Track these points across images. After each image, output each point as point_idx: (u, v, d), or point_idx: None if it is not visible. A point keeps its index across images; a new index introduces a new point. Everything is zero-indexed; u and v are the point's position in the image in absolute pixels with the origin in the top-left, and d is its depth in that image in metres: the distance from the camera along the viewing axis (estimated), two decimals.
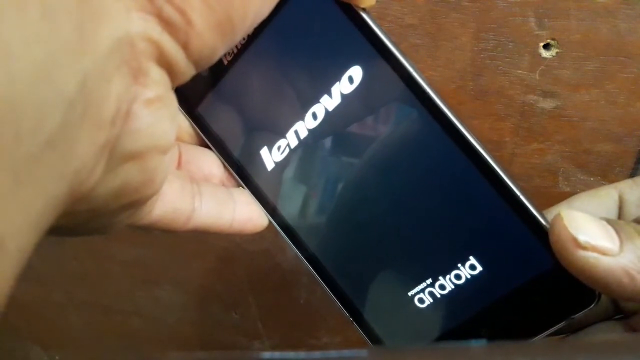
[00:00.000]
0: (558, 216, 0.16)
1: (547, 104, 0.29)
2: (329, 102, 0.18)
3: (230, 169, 0.20)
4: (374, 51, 0.17)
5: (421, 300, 0.19)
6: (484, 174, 0.17)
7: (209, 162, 0.20)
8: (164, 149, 0.14)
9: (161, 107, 0.14)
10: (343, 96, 0.17)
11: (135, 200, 0.15)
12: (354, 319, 0.20)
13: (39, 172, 0.10)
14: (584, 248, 0.15)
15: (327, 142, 0.19)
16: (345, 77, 0.17)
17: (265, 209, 0.20)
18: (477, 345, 0.12)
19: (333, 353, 0.14)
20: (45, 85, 0.10)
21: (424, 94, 0.17)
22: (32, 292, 0.45)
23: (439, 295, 0.18)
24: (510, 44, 0.28)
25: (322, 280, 0.20)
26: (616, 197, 0.19)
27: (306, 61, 0.18)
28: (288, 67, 0.18)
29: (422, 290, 0.19)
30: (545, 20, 0.27)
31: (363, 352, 0.13)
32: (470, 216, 0.17)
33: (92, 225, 0.15)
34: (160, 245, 0.40)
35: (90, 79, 0.11)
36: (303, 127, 0.18)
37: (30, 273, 0.44)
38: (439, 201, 0.18)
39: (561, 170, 0.31)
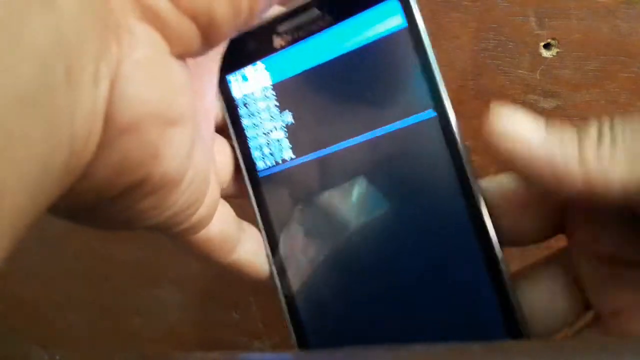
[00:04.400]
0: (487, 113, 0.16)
1: (548, 103, 0.29)
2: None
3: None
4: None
5: None
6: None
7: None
8: (167, 120, 0.13)
9: (154, 70, 0.13)
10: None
11: (140, 179, 0.14)
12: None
13: (26, 129, 0.09)
14: (505, 127, 0.15)
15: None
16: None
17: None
18: (477, 345, 0.12)
19: (337, 350, 0.14)
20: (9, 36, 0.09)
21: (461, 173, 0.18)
22: (32, 292, 0.45)
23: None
24: (511, 43, 0.28)
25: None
26: (558, 206, 0.18)
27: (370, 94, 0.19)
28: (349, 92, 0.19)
29: None
30: (546, 19, 0.27)
31: (364, 351, 0.13)
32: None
33: (109, 213, 0.14)
34: (161, 245, 0.40)
35: (65, 35, 0.10)
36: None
37: (31, 273, 0.44)
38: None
39: None
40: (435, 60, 0.18)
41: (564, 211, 0.18)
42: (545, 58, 0.28)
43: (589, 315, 0.19)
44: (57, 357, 0.46)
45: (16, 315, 0.46)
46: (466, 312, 0.18)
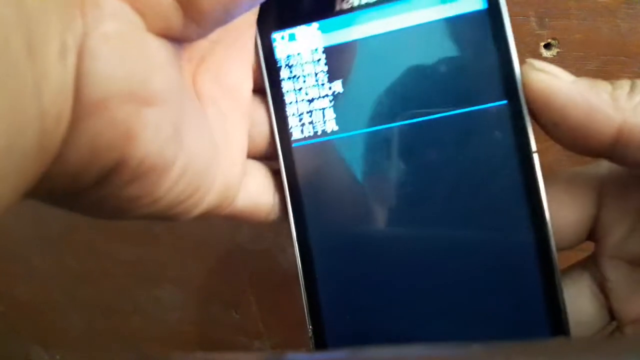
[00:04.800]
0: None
1: None
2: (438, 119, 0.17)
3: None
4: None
5: None
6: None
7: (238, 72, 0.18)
8: (141, 99, 0.13)
9: (124, 45, 0.12)
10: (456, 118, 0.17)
11: (116, 161, 0.13)
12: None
13: None
14: (542, 71, 0.16)
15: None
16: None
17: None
18: (478, 345, 0.12)
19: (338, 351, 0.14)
20: None
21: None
22: (32, 292, 0.45)
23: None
24: None
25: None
26: (592, 210, 0.18)
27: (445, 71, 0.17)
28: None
29: None
30: (546, 19, 0.27)
31: (363, 351, 0.13)
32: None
33: (94, 200, 0.14)
34: (161, 244, 0.40)
35: (25, 6, 0.10)
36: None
37: (30, 273, 0.44)
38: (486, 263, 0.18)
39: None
40: (514, 46, 0.17)
41: (596, 214, 0.18)
42: (546, 58, 0.28)
43: (612, 325, 0.18)
44: (57, 357, 0.46)
45: (16, 315, 0.46)
46: (513, 311, 0.17)
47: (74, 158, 0.12)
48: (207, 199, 0.17)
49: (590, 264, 0.19)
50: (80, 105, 0.12)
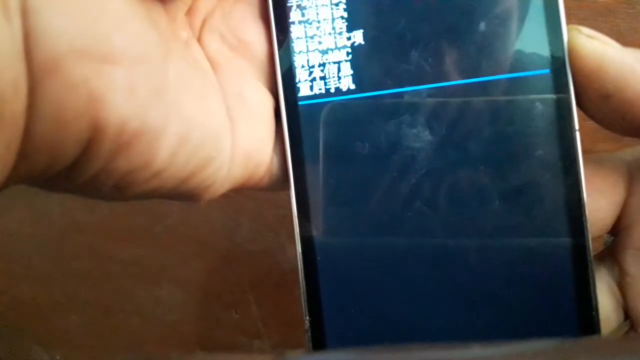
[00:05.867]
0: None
1: None
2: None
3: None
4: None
5: None
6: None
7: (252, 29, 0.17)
8: (99, 57, 0.12)
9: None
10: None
11: (89, 129, 0.12)
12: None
13: None
14: (592, 37, 0.15)
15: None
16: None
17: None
18: (478, 345, 0.12)
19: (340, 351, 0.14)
20: None
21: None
22: (32, 292, 0.44)
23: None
24: None
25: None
26: (621, 197, 0.17)
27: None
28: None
29: None
30: None
31: (369, 351, 0.13)
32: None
33: (84, 179, 0.13)
34: (161, 244, 0.40)
35: None
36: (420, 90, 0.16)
37: (30, 273, 0.44)
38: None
39: None
40: (562, 8, 0.15)
41: (624, 201, 0.17)
42: None
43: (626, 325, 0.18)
44: (57, 357, 0.46)
45: (16, 315, 0.46)
46: (543, 305, 0.16)
47: (42, 129, 0.12)
48: (229, 171, 0.16)
49: (608, 258, 0.18)
50: (34, 68, 0.11)
